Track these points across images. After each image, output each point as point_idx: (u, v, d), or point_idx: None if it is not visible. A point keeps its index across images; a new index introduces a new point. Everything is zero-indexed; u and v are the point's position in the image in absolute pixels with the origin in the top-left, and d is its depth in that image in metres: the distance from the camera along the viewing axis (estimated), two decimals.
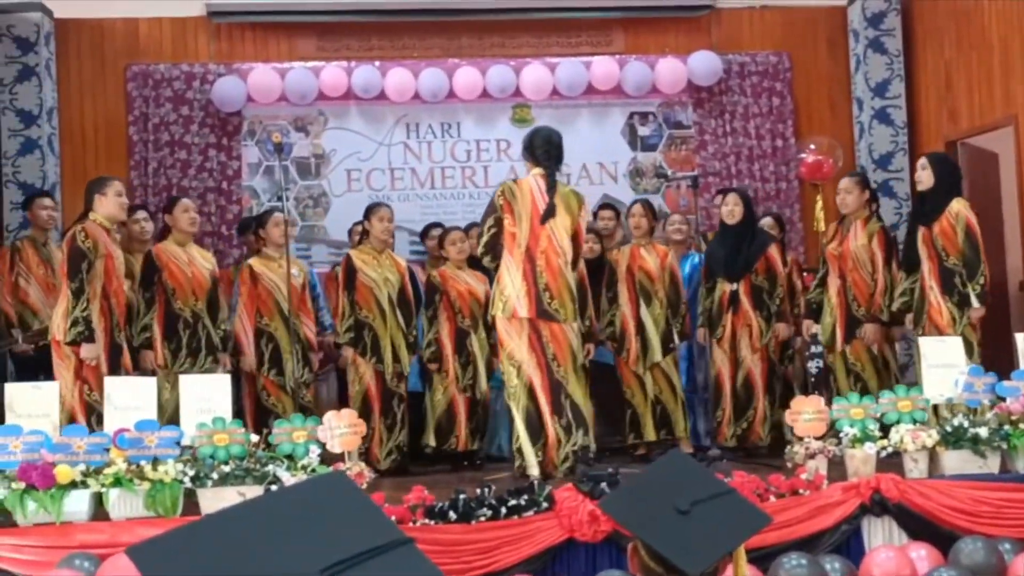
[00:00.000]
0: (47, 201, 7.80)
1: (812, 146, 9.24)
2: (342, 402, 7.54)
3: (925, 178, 6.70)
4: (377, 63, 9.31)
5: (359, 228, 7.81)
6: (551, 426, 6.06)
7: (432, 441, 7.30)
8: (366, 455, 6.97)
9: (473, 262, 7.47)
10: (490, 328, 7.34)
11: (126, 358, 6.31)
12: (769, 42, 9.79)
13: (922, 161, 6.81)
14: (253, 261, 7.20)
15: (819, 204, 9.13)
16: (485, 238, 6.26)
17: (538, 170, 6.25)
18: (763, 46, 9.77)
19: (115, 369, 6.08)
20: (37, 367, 6.97)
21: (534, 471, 5.96)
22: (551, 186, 6.19)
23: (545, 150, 6.28)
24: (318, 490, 1.68)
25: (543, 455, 6.04)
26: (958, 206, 6.54)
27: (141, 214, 7.61)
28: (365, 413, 7.01)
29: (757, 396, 7.19)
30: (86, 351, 5.95)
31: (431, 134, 9.48)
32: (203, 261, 6.97)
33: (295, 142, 9.32)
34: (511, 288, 6.09)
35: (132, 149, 9.09)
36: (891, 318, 6.93)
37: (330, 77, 9.18)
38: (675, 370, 7.45)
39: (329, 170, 9.38)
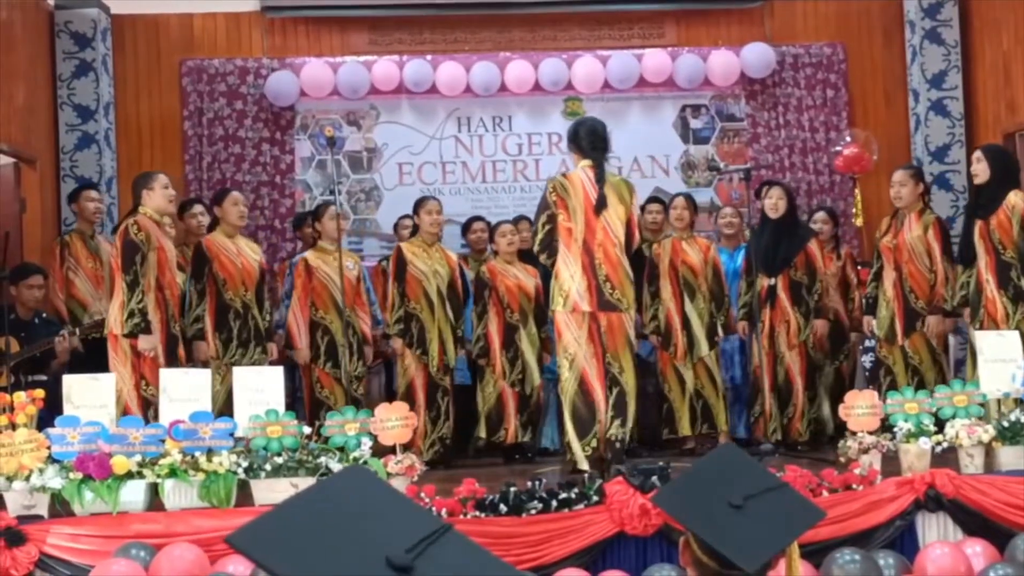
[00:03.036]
0: (94, 193, 7.86)
1: (848, 138, 9.14)
2: (389, 395, 7.60)
3: (981, 171, 6.60)
4: (429, 57, 9.33)
5: (406, 222, 7.95)
6: (605, 414, 6.00)
7: (483, 433, 7.35)
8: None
9: (523, 256, 7.49)
10: (540, 323, 7.35)
11: (181, 349, 6.38)
12: (823, 33, 9.69)
13: (977, 154, 6.71)
14: (308, 254, 7.28)
15: (857, 197, 9.03)
16: (540, 235, 6.14)
17: (586, 162, 6.16)
18: (817, 37, 9.67)
19: (172, 360, 6.16)
20: (86, 362, 6.82)
21: (583, 465, 5.91)
22: (600, 177, 6.11)
23: (591, 141, 6.18)
24: (346, 485, 1.67)
25: (597, 446, 5.98)
26: (1015, 199, 6.44)
27: (198, 208, 7.75)
28: (409, 405, 7.09)
29: (796, 392, 7.18)
30: (144, 342, 6.04)
31: (482, 128, 9.49)
32: (251, 252, 6.98)
33: (347, 136, 9.36)
34: (570, 283, 6.00)
35: (187, 143, 9.18)
36: (953, 309, 6.82)
37: (382, 71, 9.21)
38: (716, 364, 7.42)
39: (381, 164, 9.41)
